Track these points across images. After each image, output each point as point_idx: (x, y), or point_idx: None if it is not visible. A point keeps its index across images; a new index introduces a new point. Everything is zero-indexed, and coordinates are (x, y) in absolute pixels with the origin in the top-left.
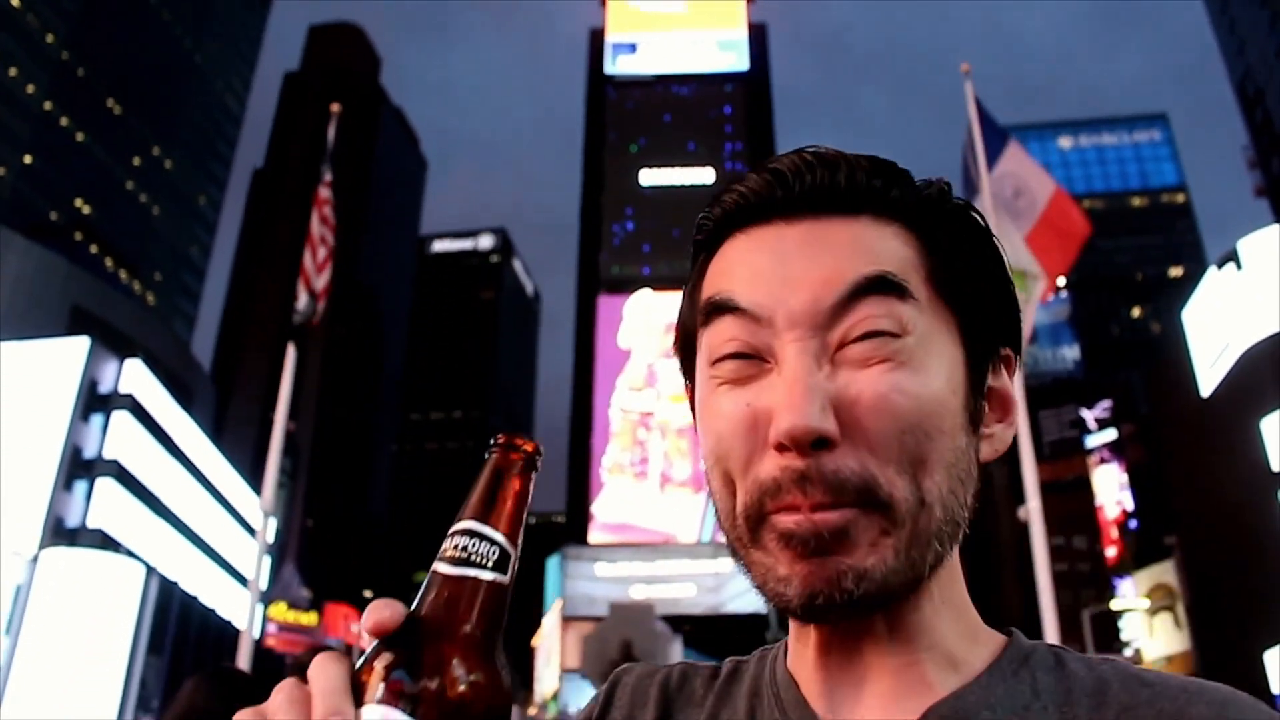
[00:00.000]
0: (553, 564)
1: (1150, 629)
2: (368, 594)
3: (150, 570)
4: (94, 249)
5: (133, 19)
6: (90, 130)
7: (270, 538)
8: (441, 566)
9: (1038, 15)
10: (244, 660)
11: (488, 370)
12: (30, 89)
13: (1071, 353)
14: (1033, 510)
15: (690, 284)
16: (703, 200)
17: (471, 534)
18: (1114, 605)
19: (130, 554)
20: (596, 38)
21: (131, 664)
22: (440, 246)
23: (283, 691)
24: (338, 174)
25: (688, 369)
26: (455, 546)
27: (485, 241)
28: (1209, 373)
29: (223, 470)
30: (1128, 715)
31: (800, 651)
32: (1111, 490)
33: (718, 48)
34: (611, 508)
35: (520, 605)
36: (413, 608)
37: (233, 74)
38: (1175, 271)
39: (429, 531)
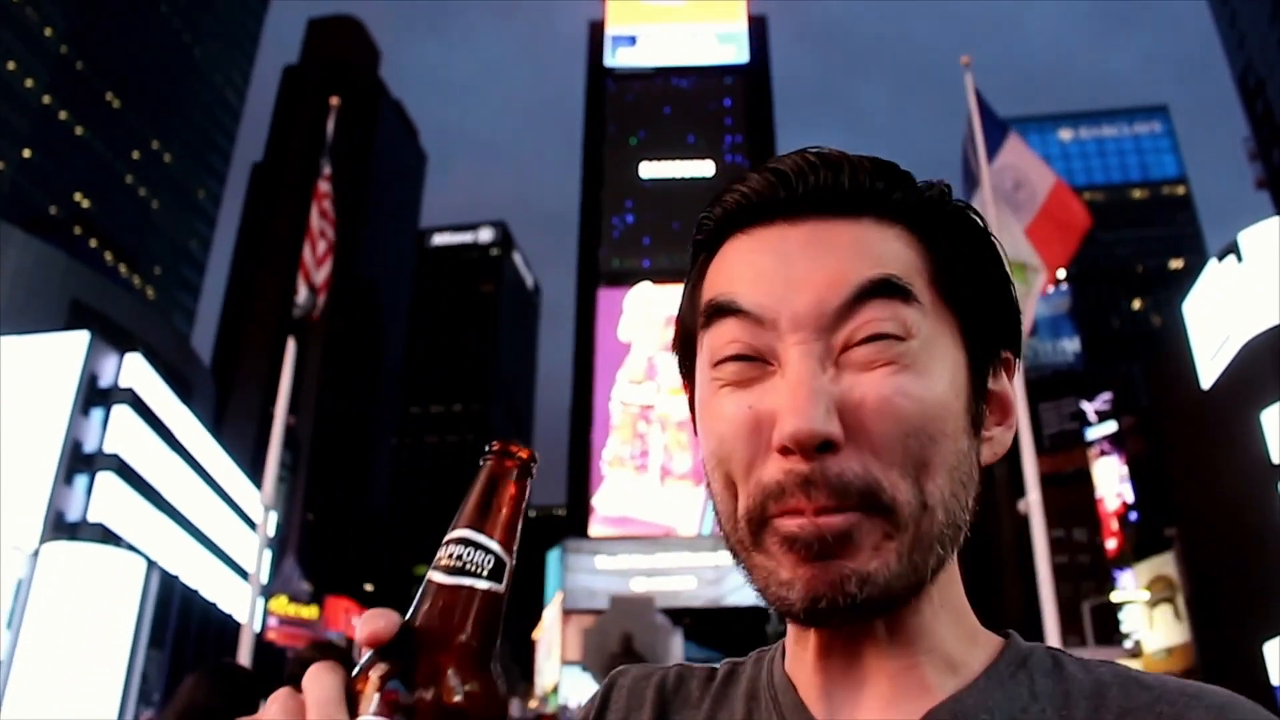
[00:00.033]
0: (553, 557)
1: (1150, 621)
2: (368, 587)
3: (151, 564)
4: (93, 243)
5: (131, 13)
6: (89, 124)
7: (271, 531)
8: (436, 575)
9: (1038, 7)
10: (245, 654)
11: (488, 364)
12: (29, 83)
13: (1072, 345)
14: (1033, 503)
15: (690, 283)
16: (702, 193)
17: (466, 543)
18: (1114, 597)
19: (131, 548)
20: (596, 30)
21: (133, 658)
22: (440, 240)
23: (277, 701)
24: (337, 168)
25: (687, 369)
26: (450, 555)
27: (485, 235)
28: (1209, 365)
29: (223, 464)
30: (1127, 718)
31: (799, 654)
32: (1112, 482)
33: (717, 40)
34: (612, 501)
35: (521, 598)
36: (408, 617)
37: (232, 68)
38: (1176, 264)
39: (429, 525)
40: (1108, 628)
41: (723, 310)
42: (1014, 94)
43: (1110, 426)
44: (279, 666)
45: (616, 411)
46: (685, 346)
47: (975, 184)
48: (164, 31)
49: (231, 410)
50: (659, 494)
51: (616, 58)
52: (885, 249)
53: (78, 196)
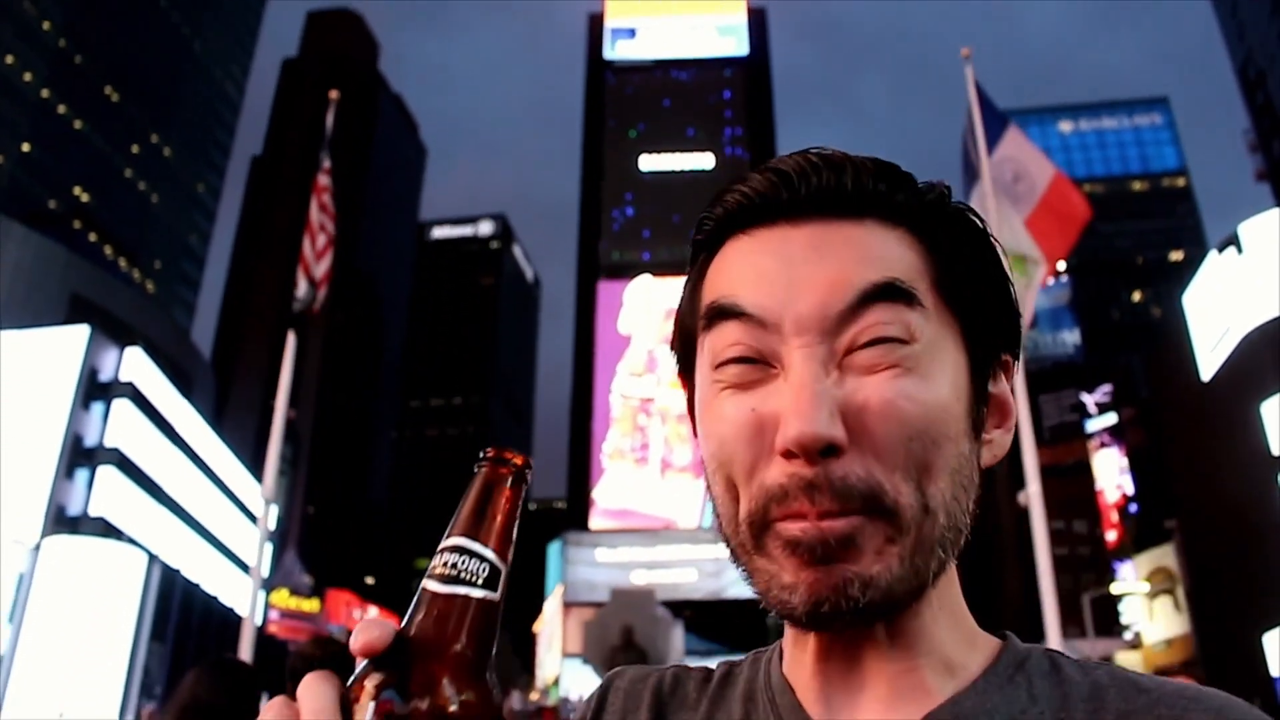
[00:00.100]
0: (554, 550)
1: (1150, 612)
2: (369, 580)
3: (152, 558)
4: (93, 237)
5: (130, 6)
6: (88, 118)
7: (272, 525)
8: (431, 584)
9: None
10: (246, 647)
11: (488, 356)
12: (27, 77)
13: (1072, 337)
14: (1033, 495)
15: (690, 284)
16: (702, 186)
17: (461, 551)
18: (1114, 589)
19: (132, 542)
20: (595, 23)
21: (134, 652)
22: (440, 233)
23: (272, 711)
24: (336, 161)
25: (686, 369)
26: (445, 564)
27: (485, 228)
28: (1209, 357)
29: (224, 458)
30: None
31: (797, 657)
32: (1112, 474)
33: (717, 32)
34: (612, 493)
35: (522, 591)
36: (403, 626)
37: (231, 61)
38: (1176, 256)
39: (430, 517)
40: (1108, 619)
41: (725, 313)
42: (1014, 86)
43: (1110, 418)
44: (280, 660)
45: (617, 404)
46: (685, 346)
47: (975, 176)
48: (163, 25)
49: (232, 404)
50: (659, 486)
51: (616, 50)
52: (889, 252)
53: (77, 190)
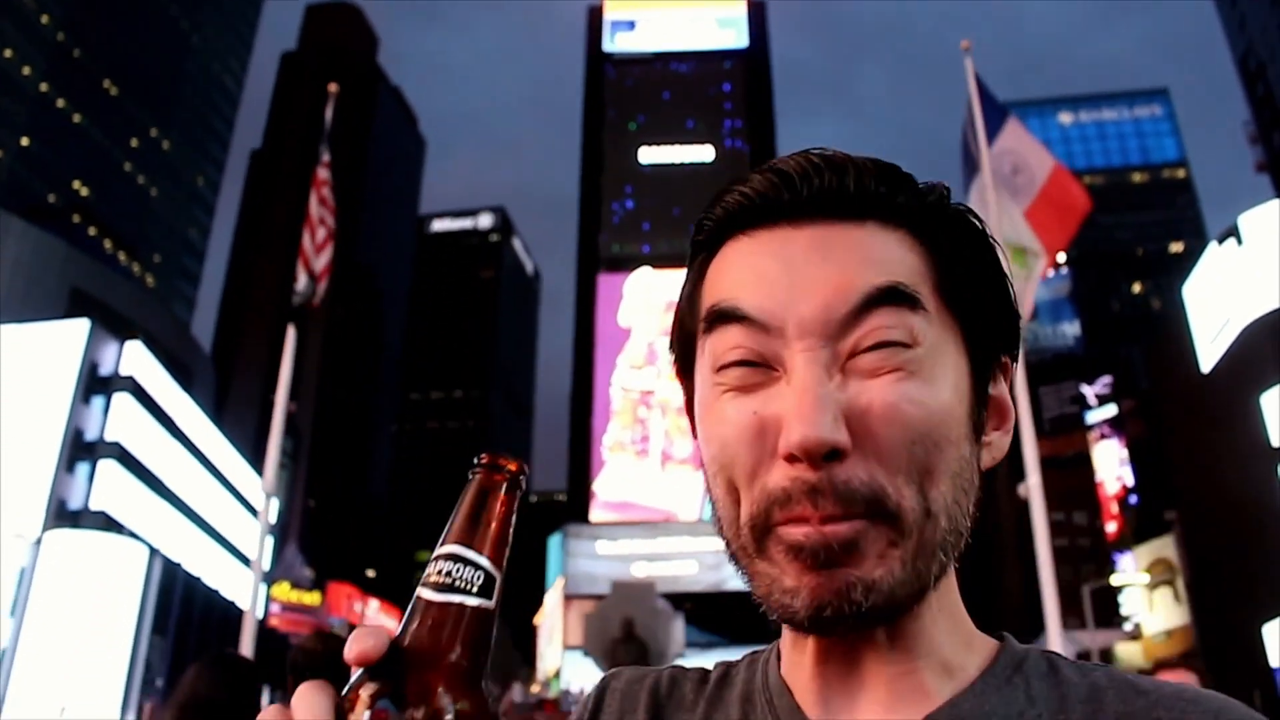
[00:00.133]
0: (554, 542)
1: (1150, 604)
2: (370, 573)
3: (153, 551)
4: (92, 231)
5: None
6: (87, 112)
7: (272, 518)
8: (425, 593)
9: None
10: (248, 640)
11: (488, 349)
12: (26, 70)
13: (1072, 328)
14: (1033, 486)
15: (689, 284)
16: (702, 178)
17: (455, 559)
18: (1114, 580)
19: (133, 536)
20: (595, 15)
21: (136, 645)
22: (439, 226)
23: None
24: (336, 154)
25: (684, 370)
26: (439, 572)
27: (484, 220)
28: (1209, 348)
29: (224, 451)
30: None
31: (796, 660)
32: (1112, 466)
33: (717, 25)
34: (613, 486)
35: (523, 583)
36: (398, 634)
37: (229, 54)
38: (1176, 247)
39: (430, 510)
40: (1108, 611)
41: (726, 316)
42: (1014, 78)
43: (1110, 410)
44: (282, 653)
45: (617, 397)
46: (684, 347)
47: (975, 168)
48: (161, 18)
49: (232, 398)
50: (660, 479)
51: (615, 42)
52: (891, 254)
53: (76, 184)
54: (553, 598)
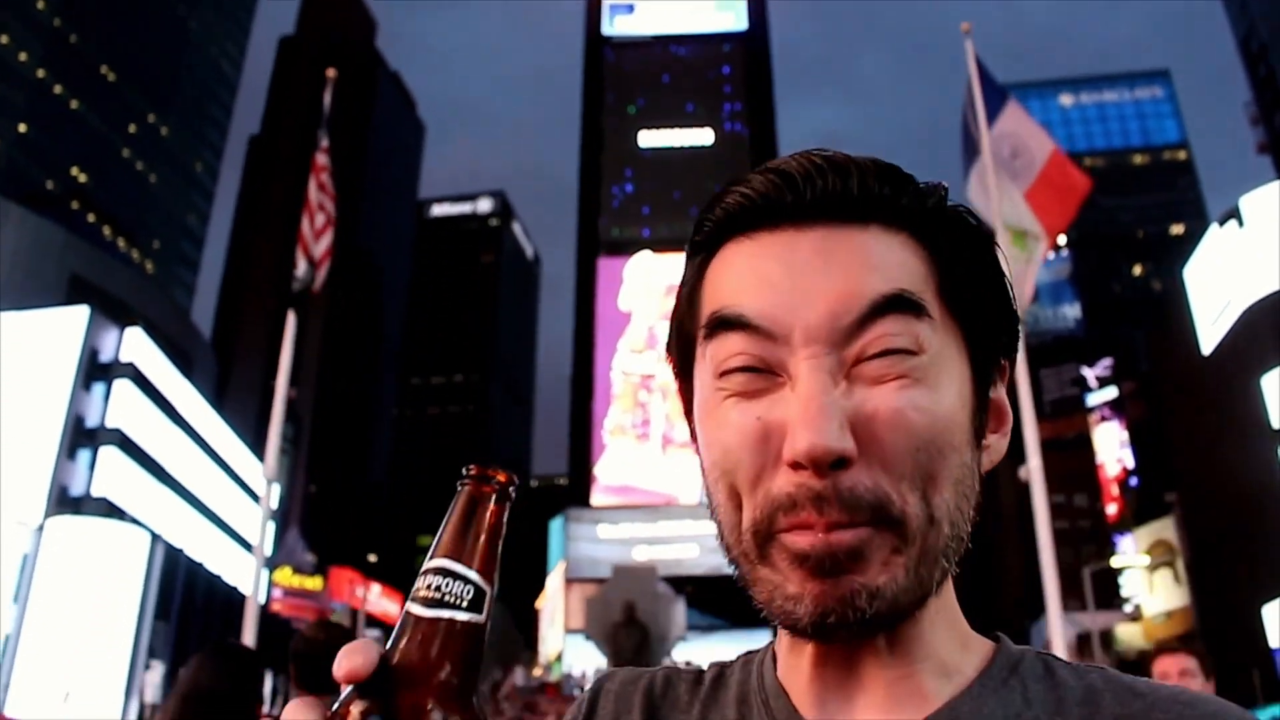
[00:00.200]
0: (556, 526)
1: (1150, 585)
2: (371, 558)
3: (155, 537)
4: (91, 218)
5: None
6: (85, 98)
7: (274, 504)
8: (415, 608)
9: None
10: (250, 626)
11: (488, 334)
12: (23, 57)
13: (1072, 311)
14: (1033, 469)
15: (688, 285)
16: (702, 161)
17: (445, 573)
18: (1114, 562)
19: (135, 522)
20: None
21: (139, 631)
22: (439, 211)
23: None
24: (334, 140)
25: (683, 372)
26: (428, 586)
27: (484, 205)
28: (1210, 330)
29: (225, 437)
30: None
31: (793, 663)
32: (1112, 448)
33: (715, 7)
34: (613, 470)
35: (524, 567)
36: (387, 649)
37: (227, 39)
38: (1177, 229)
39: (431, 495)
40: (1108, 592)
41: (729, 323)
42: (1015, 60)
43: (1111, 392)
44: (284, 638)
45: (617, 380)
46: (683, 350)
47: (975, 151)
48: (159, 4)
49: (232, 384)
50: (661, 462)
51: (614, 26)
52: (895, 260)
53: (75, 171)
54: (554, 581)
